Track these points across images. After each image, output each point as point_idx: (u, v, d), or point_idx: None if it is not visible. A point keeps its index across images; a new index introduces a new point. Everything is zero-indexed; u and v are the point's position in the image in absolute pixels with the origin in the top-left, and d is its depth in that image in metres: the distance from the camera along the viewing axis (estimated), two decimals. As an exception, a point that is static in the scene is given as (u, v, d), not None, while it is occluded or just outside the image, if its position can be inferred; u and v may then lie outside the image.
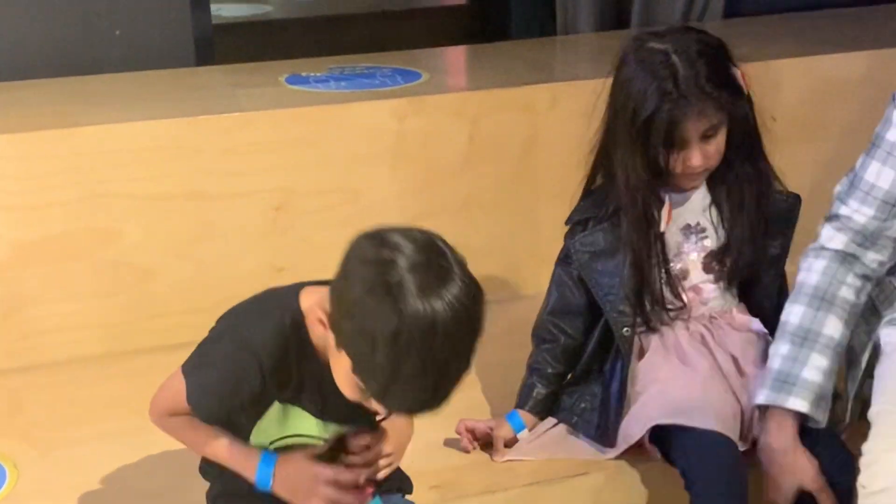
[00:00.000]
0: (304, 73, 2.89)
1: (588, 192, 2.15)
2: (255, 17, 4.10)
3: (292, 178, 2.54)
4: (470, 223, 2.73)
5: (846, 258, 2.00)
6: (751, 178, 2.08)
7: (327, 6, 4.31)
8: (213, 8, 3.28)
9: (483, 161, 2.71)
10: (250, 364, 1.61)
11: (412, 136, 2.64)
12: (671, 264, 2.09)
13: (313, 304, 1.60)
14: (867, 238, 1.99)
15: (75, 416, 2.28)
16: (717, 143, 2.01)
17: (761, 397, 1.98)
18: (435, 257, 1.53)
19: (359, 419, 1.71)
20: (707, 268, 2.11)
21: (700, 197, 2.10)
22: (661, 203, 2.05)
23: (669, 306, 2.09)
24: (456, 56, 3.42)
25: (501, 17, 3.86)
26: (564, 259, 2.15)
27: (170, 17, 3.03)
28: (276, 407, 1.68)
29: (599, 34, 3.41)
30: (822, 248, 2.02)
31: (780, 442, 1.95)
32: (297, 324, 1.62)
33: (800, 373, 1.96)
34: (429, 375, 1.48)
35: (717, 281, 2.12)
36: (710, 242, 2.11)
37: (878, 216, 1.98)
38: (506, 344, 2.47)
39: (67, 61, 2.91)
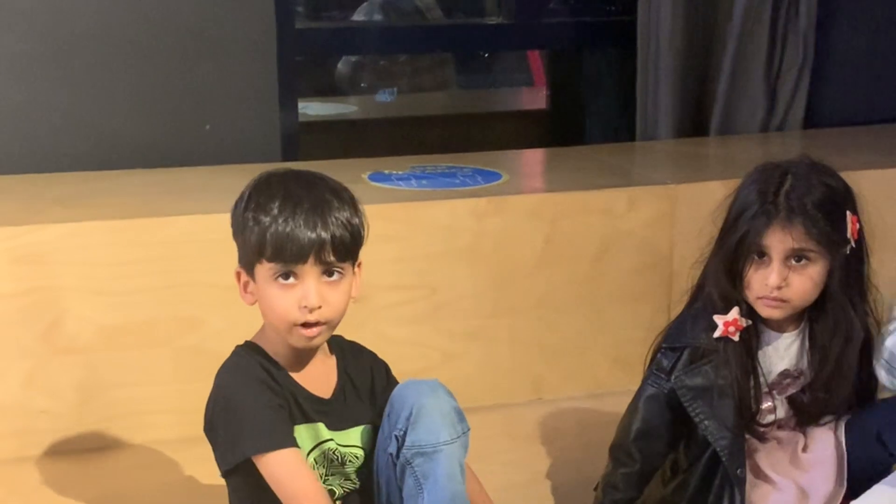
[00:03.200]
0: (386, 171, 2.94)
1: (687, 312, 2.09)
2: (340, 116, 4.20)
3: (371, 272, 2.56)
4: (543, 322, 2.74)
5: None
6: (848, 332, 2.01)
7: (409, 108, 4.40)
8: (300, 106, 3.36)
9: (558, 262, 2.73)
10: (246, 386, 1.79)
11: (490, 235, 2.68)
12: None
13: (261, 329, 1.88)
14: None
15: (151, 499, 2.31)
16: (805, 276, 1.95)
17: None
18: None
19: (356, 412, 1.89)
20: (794, 405, 2.08)
21: (799, 343, 2.05)
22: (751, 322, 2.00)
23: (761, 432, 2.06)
24: (535, 158, 3.47)
25: (580, 121, 3.92)
26: (655, 379, 2.07)
27: (258, 114, 3.10)
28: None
29: (677, 140, 3.44)
30: None
31: None
32: (253, 349, 1.86)
33: None
34: (285, 208, 1.75)
35: (803, 416, 2.07)
36: (798, 385, 2.07)
37: None
38: (578, 444, 2.49)
39: (159, 153, 2.99)
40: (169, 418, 2.50)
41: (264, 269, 1.79)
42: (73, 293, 2.43)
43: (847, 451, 2.02)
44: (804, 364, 2.06)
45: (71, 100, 2.94)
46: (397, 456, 1.82)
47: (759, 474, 2.04)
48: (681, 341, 2.05)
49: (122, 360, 2.48)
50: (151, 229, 2.50)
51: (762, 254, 1.95)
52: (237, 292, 1.86)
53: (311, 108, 3.97)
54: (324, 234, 1.77)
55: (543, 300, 2.74)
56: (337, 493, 1.88)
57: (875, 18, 3.66)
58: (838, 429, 2.05)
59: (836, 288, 1.99)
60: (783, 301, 1.97)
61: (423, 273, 2.64)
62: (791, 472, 2.03)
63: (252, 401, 1.78)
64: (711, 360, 2.02)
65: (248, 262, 1.82)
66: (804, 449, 2.05)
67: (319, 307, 1.78)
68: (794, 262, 1.95)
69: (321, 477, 1.86)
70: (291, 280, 1.78)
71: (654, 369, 2.08)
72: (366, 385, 1.93)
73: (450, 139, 3.81)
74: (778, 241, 1.93)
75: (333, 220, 1.78)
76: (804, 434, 2.07)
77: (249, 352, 1.86)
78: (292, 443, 1.79)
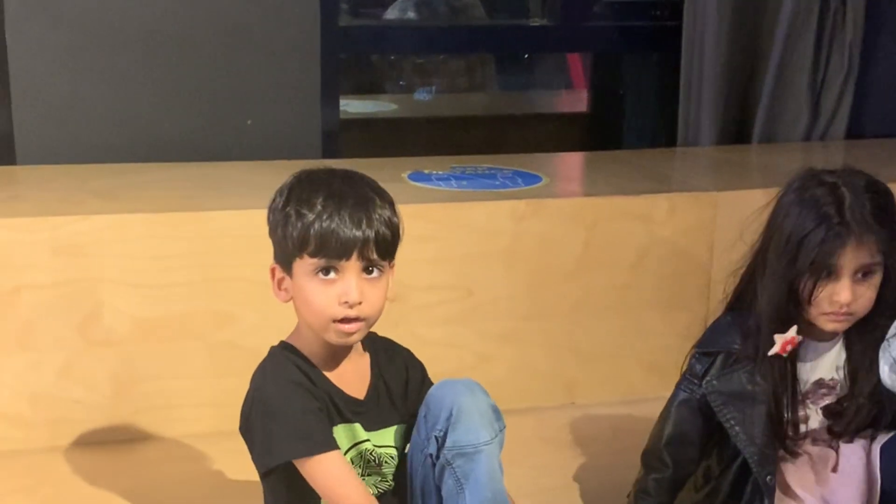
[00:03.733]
0: (426, 171, 2.95)
1: (723, 318, 2.08)
2: (381, 114, 4.20)
3: (408, 272, 2.56)
4: (579, 327, 2.73)
5: None
6: (881, 338, 1.98)
7: (451, 107, 4.40)
8: (342, 103, 3.37)
9: (596, 266, 2.72)
10: (284, 388, 1.79)
11: (528, 237, 2.67)
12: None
13: (296, 329, 1.88)
14: None
15: (182, 492, 2.32)
16: (870, 288, 1.95)
17: None
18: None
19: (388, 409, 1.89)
20: (829, 415, 2.06)
21: (836, 352, 2.04)
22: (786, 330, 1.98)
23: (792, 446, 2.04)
24: (576, 162, 3.46)
25: (620, 125, 3.90)
26: (688, 384, 2.07)
27: (300, 111, 3.11)
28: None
29: (718, 147, 3.41)
30: None
31: None
32: (289, 349, 1.86)
33: None
34: (329, 204, 1.76)
35: (837, 427, 2.05)
36: (834, 395, 2.06)
37: None
38: (610, 450, 2.48)
39: (199, 147, 3.00)
40: (202, 412, 2.51)
41: (304, 265, 1.79)
42: (111, 285, 2.45)
43: (881, 473, 1.99)
44: (840, 374, 2.05)
45: (114, 93, 2.96)
46: (437, 457, 1.81)
47: (787, 491, 2.02)
48: (714, 346, 2.05)
49: (157, 352, 2.49)
50: (190, 223, 2.51)
51: (831, 272, 1.93)
52: (270, 288, 1.86)
53: (352, 106, 3.97)
54: (368, 231, 1.77)
55: (580, 304, 2.73)
56: (371, 492, 1.88)
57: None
58: (873, 450, 2.02)
59: (888, 297, 1.98)
60: (850, 315, 1.96)
61: (460, 274, 2.64)
62: (818, 491, 2.01)
63: (292, 404, 1.78)
64: (745, 367, 2.01)
65: (286, 258, 1.81)
66: (834, 469, 2.02)
67: (360, 303, 1.78)
68: (860, 276, 1.94)
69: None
70: (332, 275, 1.78)
71: (688, 374, 2.08)
72: (400, 384, 1.93)
73: (490, 140, 3.80)
74: (850, 259, 1.92)
75: (377, 217, 1.79)
76: (836, 452, 2.04)
77: (285, 352, 1.86)
78: (334, 445, 1.79)
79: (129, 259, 2.45)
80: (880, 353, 1.94)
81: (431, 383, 1.93)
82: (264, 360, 1.87)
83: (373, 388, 1.89)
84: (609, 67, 3.99)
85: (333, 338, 1.82)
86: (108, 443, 2.46)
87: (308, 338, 1.85)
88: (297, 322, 1.88)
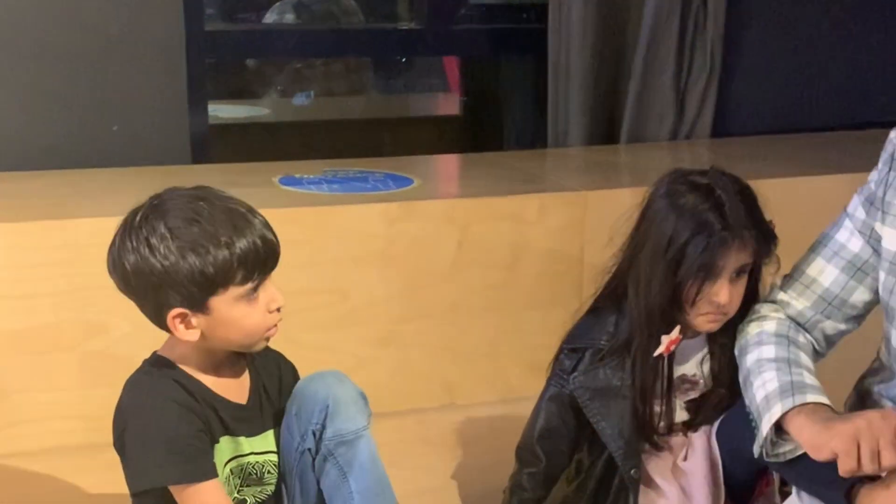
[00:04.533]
0: (297, 175, 2.93)
1: (590, 314, 2.12)
2: (251, 118, 4.16)
3: (282, 277, 2.54)
4: (456, 327, 2.75)
5: (790, 325, 2.00)
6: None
7: (322, 111, 4.38)
8: (210, 108, 3.33)
9: (471, 267, 2.74)
10: (164, 409, 1.72)
11: (402, 239, 2.68)
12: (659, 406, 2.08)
13: (169, 340, 1.79)
14: (801, 325, 2.01)
15: (53, 507, 2.27)
16: (742, 288, 2.00)
17: (776, 411, 1.82)
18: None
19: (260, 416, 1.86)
20: (690, 410, 2.11)
21: (698, 348, 2.10)
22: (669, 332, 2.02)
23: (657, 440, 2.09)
24: (447, 164, 3.48)
25: (494, 128, 3.93)
26: (558, 379, 2.11)
27: (167, 116, 3.07)
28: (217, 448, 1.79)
29: (588, 148, 3.47)
30: (764, 316, 2.01)
31: (815, 426, 1.78)
32: (165, 364, 1.79)
33: (802, 380, 1.86)
34: (227, 225, 1.70)
35: (695, 419, 2.10)
36: (698, 390, 2.11)
37: (814, 310, 2.00)
38: (490, 449, 2.49)
39: (64, 154, 2.95)
40: (74, 424, 2.46)
41: (228, 296, 1.72)
42: (-25, 297, 2.38)
43: (722, 455, 2.05)
44: (702, 369, 2.10)
45: (-25, 100, 2.89)
46: (316, 450, 1.80)
47: (650, 483, 2.08)
48: (582, 342, 2.09)
49: (26, 364, 2.44)
50: (57, 231, 2.45)
51: (712, 275, 1.96)
52: None
53: (222, 110, 3.92)
54: (268, 233, 1.76)
55: (456, 305, 2.74)
56: (249, 502, 1.86)
57: (782, 29, 3.72)
58: (711, 435, 2.08)
59: (748, 295, 2.04)
60: (725, 315, 2.02)
61: (335, 278, 2.63)
62: (675, 481, 2.07)
63: (172, 425, 1.73)
64: (611, 363, 2.05)
65: (196, 298, 1.71)
66: (685, 458, 2.08)
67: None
68: (734, 276, 1.98)
69: (236, 488, 1.84)
70: (256, 292, 1.75)
71: (557, 370, 2.11)
72: (275, 385, 1.91)
73: (364, 144, 3.80)
74: (733, 260, 1.96)
75: (260, 218, 1.77)
76: (688, 441, 2.10)
77: (161, 368, 1.80)
78: (214, 473, 1.76)
79: (-5, 269, 2.39)
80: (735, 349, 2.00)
81: None
82: (138, 375, 1.81)
83: (254, 391, 1.87)
84: (482, 71, 4.02)
85: (260, 346, 1.80)
86: (-25, 459, 2.40)
87: (184, 350, 1.80)
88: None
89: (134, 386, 1.79)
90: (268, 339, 1.81)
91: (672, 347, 2.03)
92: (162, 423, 1.73)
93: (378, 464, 1.85)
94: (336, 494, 1.83)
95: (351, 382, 1.86)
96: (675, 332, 2.02)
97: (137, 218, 1.73)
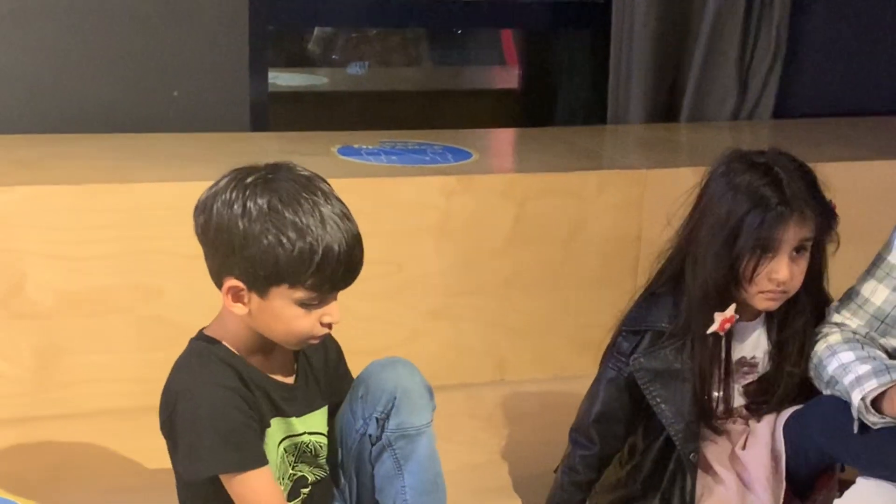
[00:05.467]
0: (356, 145, 2.92)
1: (649, 297, 2.09)
2: (312, 87, 4.16)
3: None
4: (509, 303, 2.74)
5: (854, 335, 2.04)
6: (810, 317, 2.06)
7: (381, 81, 4.37)
8: (272, 76, 3.33)
9: (526, 243, 2.72)
10: (214, 395, 1.70)
11: (459, 213, 2.67)
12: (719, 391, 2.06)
13: (219, 318, 1.77)
14: (862, 338, 2.04)
15: (105, 467, 2.29)
16: (803, 265, 1.98)
17: (869, 387, 1.89)
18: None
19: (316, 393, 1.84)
20: (748, 393, 2.09)
21: (758, 332, 2.08)
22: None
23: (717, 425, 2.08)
24: (506, 138, 3.46)
25: (551, 102, 3.91)
26: (616, 362, 2.08)
27: (228, 83, 3.08)
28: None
29: (648, 125, 3.44)
30: (826, 334, 2.05)
31: None
32: (215, 345, 1.75)
33: (891, 364, 1.94)
34: (323, 230, 1.65)
35: (755, 405, 2.09)
36: (756, 373, 2.09)
37: (868, 327, 2.05)
38: (539, 426, 2.49)
39: (125, 118, 2.96)
40: (127, 386, 2.48)
41: (289, 294, 1.69)
42: (34, 257, 2.40)
43: (787, 449, 2.03)
44: (761, 353, 2.08)
45: (37, 63, 2.91)
46: (377, 438, 1.80)
47: (707, 468, 2.06)
48: (642, 325, 2.07)
49: (81, 326, 2.46)
50: (115, 195, 2.47)
51: (770, 250, 1.94)
52: (200, 262, 1.78)
53: (281, 78, 3.93)
54: (359, 264, 1.72)
55: (510, 281, 2.73)
56: (309, 479, 1.86)
57: (849, 10, 3.67)
58: (777, 426, 2.06)
59: (812, 276, 2.02)
60: (784, 293, 1.99)
61: (390, 249, 2.63)
62: (733, 467, 2.05)
63: (224, 412, 1.71)
64: (672, 344, 2.03)
65: (261, 281, 1.68)
66: (743, 446, 2.06)
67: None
68: (794, 253, 1.96)
69: (290, 465, 1.83)
70: (318, 304, 1.71)
71: (615, 352, 2.09)
72: (321, 363, 1.89)
73: (420, 115, 3.78)
74: (792, 235, 1.94)
75: (360, 248, 1.72)
76: (748, 429, 2.08)
77: (212, 349, 1.76)
78: (265, 461, 1.75)
79: (53, 231, 2.41)
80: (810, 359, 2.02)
81: (345, 361, 1.91)
82: (188, 357, 1.78)
83: (301, 370, 1.85)
84: (541, 44, 3.98)
85: (295, 348, 1.78)
86: (31, 418, 2.42)
87: (235, 329, 1.77)
88: (221, 306, 1.78)
89: (183, 369, 1.77)
90: (307, 344, 1.78)
91: (727, 326, 2.00)
92: (213, 411, 1.71)
93: (435, 461, 1.83)
94: (388, 485, 1.82)
95: (420, 375, 1.84)
96: (731, 311, 2.00)
97: (250, 179, 1.69)
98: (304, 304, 1.70)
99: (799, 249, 1.96)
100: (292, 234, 1.65)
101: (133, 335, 2.49)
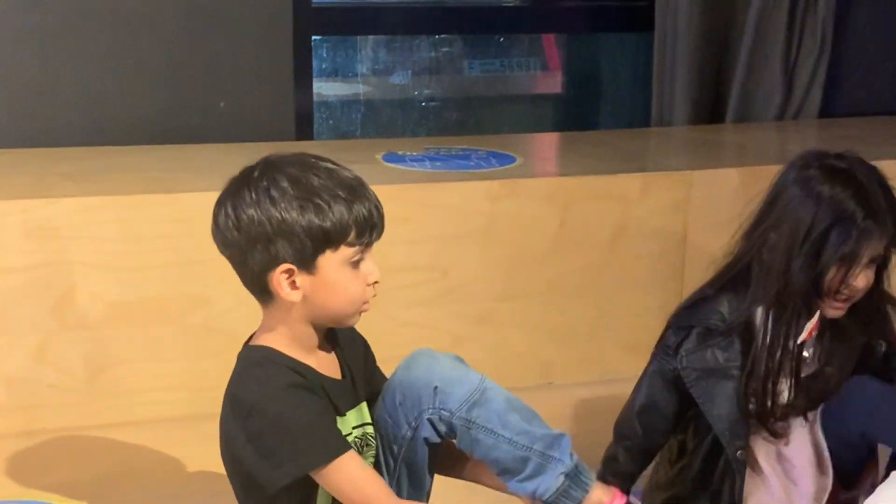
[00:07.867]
0: (400, 152, 2.94)
1: (704, 295, 2.07)
2: (354, 95, 4.18)
3: (383, 253, 2.55)
4: (554, 307, 2.74)
5: None
6: (865, 323, 2.04)
7: (421, 89, 4.37)
8: (315, 85, 3.35)
9: (572, 246, 2.72)
10: (286, 398, 1.70)
11: (503, 218, 2.67)
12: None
13: (263, 327, 1.79)
14: None
15: (155, 475, 2.31)
16: (872, 275, 1.97)
17: None
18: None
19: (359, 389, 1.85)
20: (791, 390, 2.06)
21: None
22: (809, 317, 1.99)
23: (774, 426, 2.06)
24: (550, 142, 3.46)
25: (594, 106, 3.90)
26: (662, 355, 2.08)
27: (273, 93, 3.10)
28: None
29: (692, 127, 3.42)
30: None
31: None
32: (268, 353, 1.75)
33: None
34: (344, 185, 1.71)
35: (799, 400, 2.07)
36: (806, 370, 2.07)
37: None
38: (586, 430, 2.47)
39: (171, 129, 2.99)
40: (176, 395, 2.50)
41: (338, 256, 1.71)
42: (84, 268, 2.43)
43: (828, 441, 2.02)
44: (810, 351, 2.06)
45: (84, 75, 2.94)
46: (451, 431, 1.79)
47: (752, 464, 2.05)
48: (691, 321, 2.05)
49: (131, 336, 2.48)
50: (162, 205, 2.49)
51: (854, 263, 1.92)
52: None
53: (326, 88, 3.95)
54: (380, 206, 1.76)
55: (555, 285, 2.73)
56: None
57: (892, 9, 3.64)
58: (815, 421, 2.05)
59: (877, 278, 2.00)
60: (849, 300, 1.98)
61: (435, 255, 2.64)
62: (779, 467, 2.04)
63: (298, 410, 1.71)
64: (720, 343, 2.01)
65: (308, 255, 1.70)
66: (786, 443, 2.05)
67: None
68: (869, 262, 1.95)
69: None
70: (360, 259, 1.74)
71: (662, 345, 2.09)
72: (359, 357, 1.90)
73: (464, 122, 3.79)
74: (873, 249, 1.92)
75: (372, 192, 1.77)
76: (789, 427, 2.07)
77: (267, 356, 1.76)
78: (347, 446, 1.74)
79: (102, 242, 2.44)
80: None
81: (372, 352, 1.92)
82: (248, 369, 1.76)
83: (344, 365, 1.86)
84: (583, 48, 3.98)
85: (353, 320, 1.79)
86: (82, 427, 2.44)
87: (283, 334, 1.77)
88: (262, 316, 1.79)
89: (248, 380, 1.75)
90: (360, 314, 1.80)
91: (814, 333, 2.00)
92: (290, 412, 1.70)
93: (513, 402, 1.82)
94: (491, 453, 1.80)
95: (440, 353, 1.84)
96: (816, 318, 1.98)
97: (255, 173, 1.73)
98: (350, 264, 1.73)
99: (872, 260, 1.95)
100: (325, 196, 1.69)
101: (182, 344, 2.51)
